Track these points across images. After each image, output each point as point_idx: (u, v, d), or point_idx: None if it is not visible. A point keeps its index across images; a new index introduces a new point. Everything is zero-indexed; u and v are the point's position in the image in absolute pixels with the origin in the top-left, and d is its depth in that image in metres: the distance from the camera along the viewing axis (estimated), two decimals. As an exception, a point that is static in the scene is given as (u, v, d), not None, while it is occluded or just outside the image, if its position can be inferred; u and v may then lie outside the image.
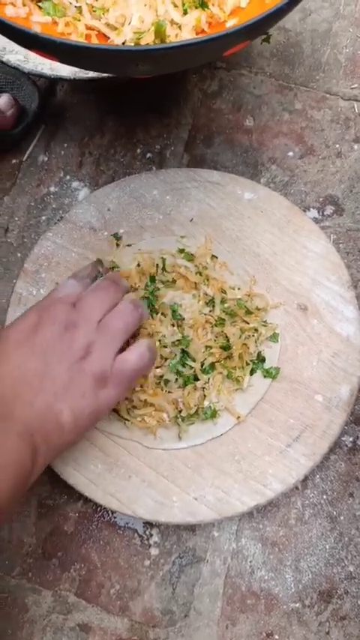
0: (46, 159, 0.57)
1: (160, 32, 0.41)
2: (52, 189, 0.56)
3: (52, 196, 0.55)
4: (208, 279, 0.48)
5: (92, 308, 0.41)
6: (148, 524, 0.47)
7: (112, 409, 0.43)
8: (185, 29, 0.42)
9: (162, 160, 0.56)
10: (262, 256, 0.50)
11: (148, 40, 0.41)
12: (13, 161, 0.57)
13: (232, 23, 0.44)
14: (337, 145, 0.55)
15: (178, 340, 0.46)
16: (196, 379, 0.46)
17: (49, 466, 0.46)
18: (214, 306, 0.47)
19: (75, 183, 0.56)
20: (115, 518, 0.48)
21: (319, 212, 0.54)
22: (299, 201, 0.54)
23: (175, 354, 0.45)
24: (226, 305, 0.48)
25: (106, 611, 0.46)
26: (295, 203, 0.53)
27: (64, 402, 0.38)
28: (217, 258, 0.50)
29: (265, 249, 0.50)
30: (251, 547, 0.47)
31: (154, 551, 0.47)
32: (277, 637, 0.46)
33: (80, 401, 0.38)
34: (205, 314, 0.47)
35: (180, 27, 0.42)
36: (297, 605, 0.46)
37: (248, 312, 0.48)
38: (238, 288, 0.49)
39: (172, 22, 0.42)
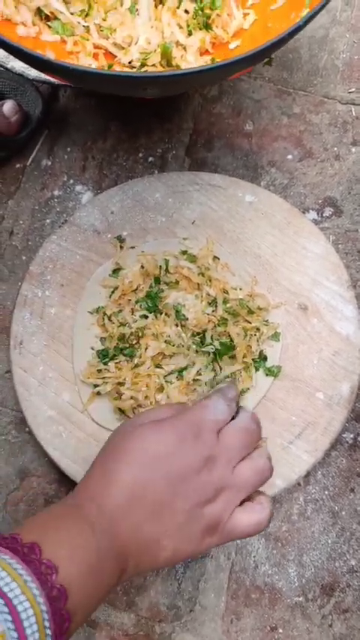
0: (49, 163, 0.58)
1: (166, 54, 0.42)
2: (55, 193, 0.57)
3: (56, 200, 0.56)
4: (210, 280, 0.49)
5: (235, 449, 0.38)
6: (154, 521, 0.48)
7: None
8: (190, 50, 0.43)
9: (164, 163, 0.57)
10: (263, 257, 0.51)
11: (155, 60, 0.42)
12: (18, 165, 0.58)
13: (235, 45, 0.45)
14: (336, 148, 0.57)
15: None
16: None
17: (55, 465, 0.47)
18: (216, 306, 0.48)
19: (78, 187, 0.57)
20: (120, 515, 0.49)
21: (318, 214, 0.55)
22: (299, 203, 0.55)
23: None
24: (228, 305, 0.49)
25: (112, 607, 0.47)
26: (295, 205, 0.54)
27: (171, 541, 0.36)
28: (218, 259, 0.51)
29: (265, 251, 0.51)
30: (255, 542, 0.48)
31: (159, 548, 0.48)
32: (281, 631, 0.46)
33: (186, 544, 0.36)
34: (208, 314, 0.48)
35: (185, 48, 0.44)
36: (300, 599, 0.47)
37: (250, 312, 0.49)
38: (240, 289, 0.50)
39: (177, 43, 0.43)
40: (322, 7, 0.37)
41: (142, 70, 0.44)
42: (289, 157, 0.57)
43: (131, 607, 0.47)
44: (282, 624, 0.47)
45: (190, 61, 0.44)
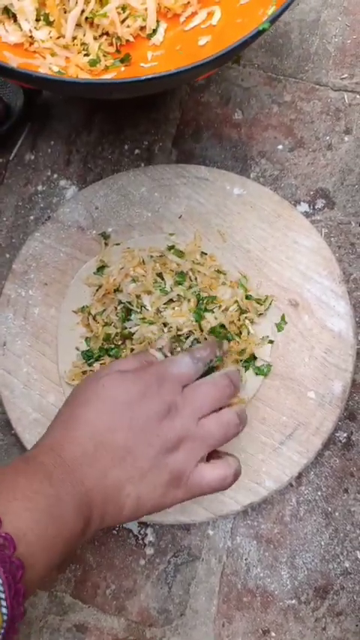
0: (32, 157, 0.56)
1: None
2: (39, 188, 0.55)
3: (39, 195, 0.55)
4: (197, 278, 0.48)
5: (201, 403, 0.38)
6: (143, 524, 0.47)
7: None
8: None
9: (150, 155, 0.55)
10: (253, 252, 0.49)
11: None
12: (0, 160, 0.56)
13: (205, 41, 0.46)
14: (328, 137, 0.55)
15: (190, 331, 0.45)
16: None
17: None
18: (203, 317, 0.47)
19: (62, 182, 0.55)
20: (109, 518, 0.48)
21: (309, 206, 0.53)
22: (290, 195, 0.53)
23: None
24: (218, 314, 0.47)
25: (102, 612, 0.47)
26: (286, 197, 0.52)
27: (134, 488, 0.36)
28: (206, 254, 0.49)
29: (255, 245, 0.49)
30: (246, 545, 0.47)
31: (149, 551, 0.47)
32: (273, 634, 0.46)
33: (149, 493, 0.36)
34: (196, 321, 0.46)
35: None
36: (293, 601, 0.46)
37: (243, 312, 0.47)
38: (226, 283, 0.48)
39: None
40: (289, 5, 0.37)
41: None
42: (280, 147, 0.55)
43: (121, 611, 0.47)
44: (274, 627, 0.46)
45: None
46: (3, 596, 0.28)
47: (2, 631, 0.29)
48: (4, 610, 0.28)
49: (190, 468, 0.37)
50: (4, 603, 0.28)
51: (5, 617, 0.29)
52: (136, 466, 0.36)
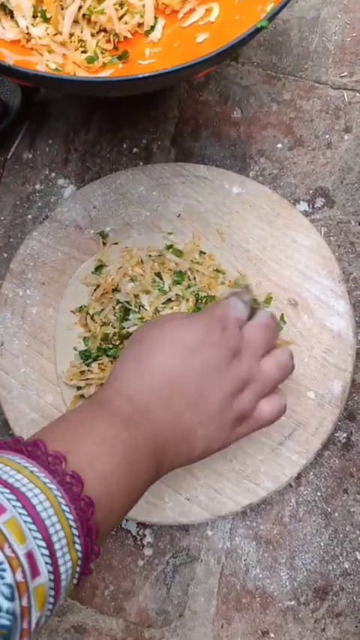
0: (30, 156, 0.56)
1: None
2: (37, 187, 0.55)
3: (37, 194, 0.54)
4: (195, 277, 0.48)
5: (259, 345, 0.40)
6: (141, 525, 0.47)
7: None
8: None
9: (149, 154, 0.55)
10: (252, 251, 0.49)
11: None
12: (-2, 159, 0.56)
13: (203, 38, 0.45)
14: (327, 136, 0.54)
15: None
16: None
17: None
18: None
19: (60, 181, 0.55)
20: (107, 519, 0.47)
21: (309, 204, 0.53)
22: (289, 193, 0.53)
23: None
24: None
25: (100, 612, 0.46)
26: (285, 196, 0.52)
27: (206, 430, 0.37)
28: (205, 253, 0.49)
29: (254, 244, 0.49)
30: (245, 546, 0.47)
31: (147, 552, 0.47)
32: (272, 635, 0.45)
33: (218, 433, 0.38)
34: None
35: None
36: (292, 602, 0.46)
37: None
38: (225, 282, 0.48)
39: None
40: (287, 2, 0.37)
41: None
42: (279, 145, 0.54)
43: (120, 612, 0.46)
44: (274, 629, 0.45)
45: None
46: (77, 532, 0.28)
47: (78, 569, 0.29)
48: (77, 547, 0.28)
49: (253, 406, 0.39)
50: (78, 540, 0.28)
51: (80, 555, 0.28)
52: (207, 409, 0.37)
